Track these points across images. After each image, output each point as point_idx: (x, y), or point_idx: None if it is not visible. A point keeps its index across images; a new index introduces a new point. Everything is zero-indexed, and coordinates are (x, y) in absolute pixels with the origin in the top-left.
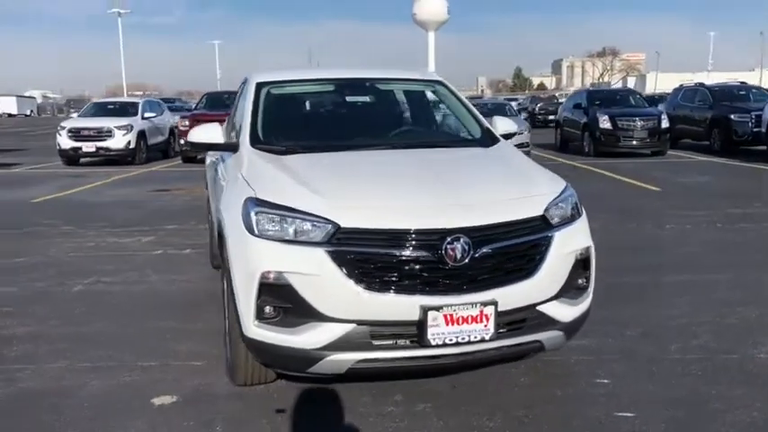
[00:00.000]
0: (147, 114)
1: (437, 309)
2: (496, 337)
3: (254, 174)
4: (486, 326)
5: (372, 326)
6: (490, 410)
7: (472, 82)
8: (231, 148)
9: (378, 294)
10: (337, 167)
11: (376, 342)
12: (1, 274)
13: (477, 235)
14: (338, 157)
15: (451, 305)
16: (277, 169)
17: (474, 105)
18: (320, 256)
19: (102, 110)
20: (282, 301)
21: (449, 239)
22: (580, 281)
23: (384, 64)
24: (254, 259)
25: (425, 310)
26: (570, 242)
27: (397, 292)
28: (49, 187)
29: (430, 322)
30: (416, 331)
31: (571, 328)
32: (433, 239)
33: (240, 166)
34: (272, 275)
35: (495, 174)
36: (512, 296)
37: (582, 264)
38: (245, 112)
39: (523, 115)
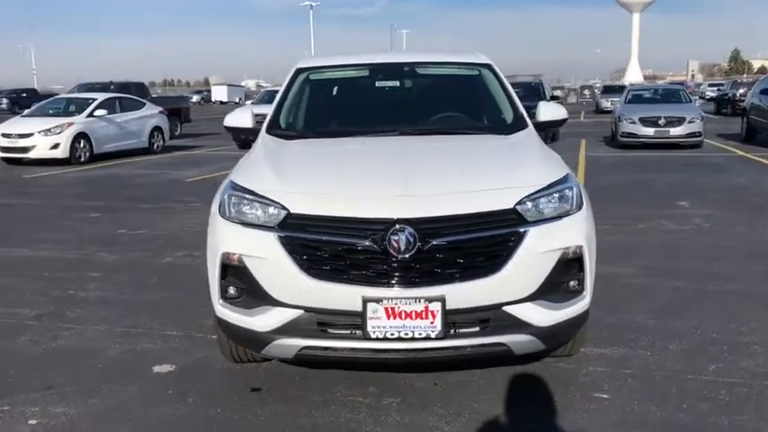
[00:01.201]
0: None
1: (377, 301)
2: (445, 335)
3: (248, 158)
4: (432, 323)
5: (319, 314)
6: (457, 413)
7: (681, 66)
8: (253, 133)
9: (323, 282)
10: (325, 154)
11: (322, 330)
12: (115, 244)
13: (426, 227)
14: (338, 143)
15: (393, 298)
16: (268, 155)
17: (642, 89)
18: (271, 241)
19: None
20: (242, 282)
21: (392, 230)
22: (571, 283)
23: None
24: (217, 240)
25: (365, 301)
26: (552, 240)
27: (341, 281)
28: (208, 168)
29: (370, 314)
30: (360, 322)
31: (549, 334)
32: (377, 229)
33: (249, 152)
34: (231, 257)
35: (482, 164)
36: (468, 293)
37: (570, 264)
38: (277, 97)
39: (698, 102)
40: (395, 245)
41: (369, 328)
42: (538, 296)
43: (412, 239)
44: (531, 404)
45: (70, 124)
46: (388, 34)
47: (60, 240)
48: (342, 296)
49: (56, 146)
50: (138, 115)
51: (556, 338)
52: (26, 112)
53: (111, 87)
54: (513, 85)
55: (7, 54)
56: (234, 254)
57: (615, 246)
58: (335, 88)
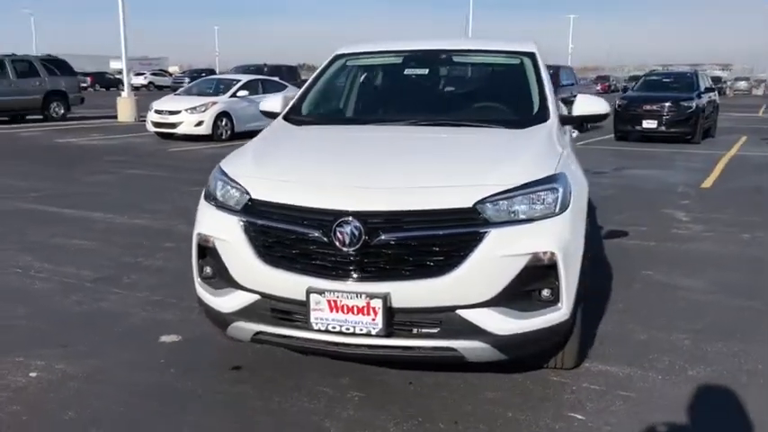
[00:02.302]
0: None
1: (320, 293)
2: (387, 333)
3: (250, 142)
4: (373, 319)
5: (273, 300)
6: (412, 415)
7: None
8: (273, 117)
9: (275, 270)
10: (318, 141)
11: (275, 317)
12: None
13: (374, 221)
14: (342, 131)
15: (335, 291)
16: (265, 139)
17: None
18: (234, 225)
19: None
20: (214, 263)
21: (338, 222)
22: (544, 292)
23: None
24: (197, 221)
25: (309, 292)
26: (516, 243)
27: (291, 270)
28: None
29: (313, 305)
30: (306, 313)
31: (508, 344)
32: (326, 220)
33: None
34: (205, 238)
35: (463, 160)
36: (416, 293)
37: (541, 272)
38: (307, 82)
39: None
40: (340, 237)
41: (312, 320)
42: (498, 302)
43: (357, 233)
44: (492, 419)
45: (214, 103)
46: None
47: (158, 210)
48: (290, 285)
49: (200, 123)
50: None
51: (518, 349)
52: (179, 90)
53: (265, 69)
54: (664, 75)
55: (197, 39)
56: (207, 235)
57: (701, 256)
58: (364, 75)
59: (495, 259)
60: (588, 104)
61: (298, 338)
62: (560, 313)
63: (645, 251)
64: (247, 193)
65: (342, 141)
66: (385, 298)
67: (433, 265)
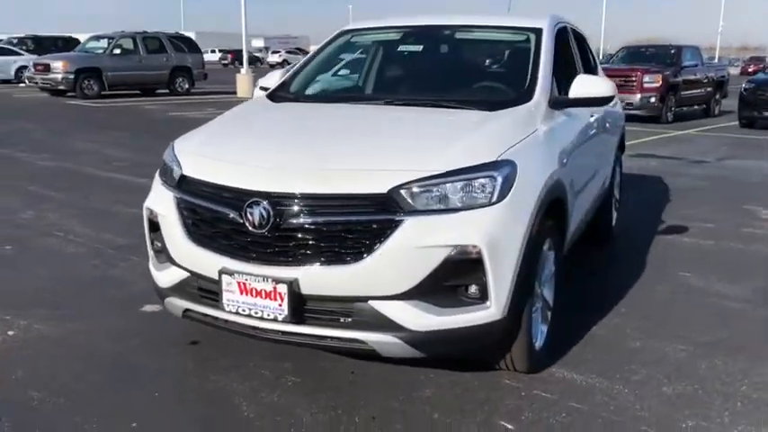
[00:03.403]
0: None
1: (230, 274)
2: (293, 320)
3: (217, 118)
4: (280, 305)
5: (200, 278)
6: (335, 407)
7: None
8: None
9: (198, 248)
10: (278, 119)
11: (200, 295)
12: None
13: (285, 203)
14: (311, 109)
15: (244, 273)
16: (231, 114)
17: None
18: (170, 201)
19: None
20: (159, 238)
21: (249, 203)
22: (471, 289)
23: None
24: (149, 194)
25: (220, 273)
26: (436, 234)
27: (210, 248)
28: None
29: (224, 286)
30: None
31: (425, 341)
32: (239, 201)
33: None
34: (150, 212)
35: (399, 142)
36: (325, 280)
37: (466, 266)
38: (304, 58)
39: None
40: (250, 218)
41: (224, 301)
42: (414, 296)
43: (266, 214)
44: (413, 418)
45: None
46: None
47: None
48: (210, 264)
49: None
50: None
51: (437, 347)
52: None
53: None
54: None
55: (335, 20)
56: (152, 209)
57: (760, 260)
58: (359, 51)
59: (410, 250)
60: (587, 86)
61: (217, 319)
62: (488, 312)
63: (695, 250)
64: (180, 169)
65: (296, 120)
66: (291, 284)
67: (345, 253)
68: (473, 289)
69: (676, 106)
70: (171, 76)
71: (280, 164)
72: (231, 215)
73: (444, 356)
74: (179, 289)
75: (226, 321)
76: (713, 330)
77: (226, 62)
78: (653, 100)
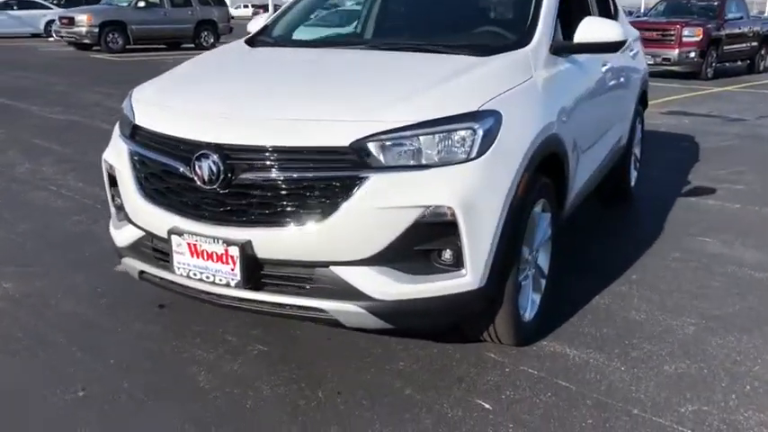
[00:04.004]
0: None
1: (180, 234)
2: (246, 286)
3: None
4: (232, 269)
5: (154, 238)
6: (297, 380)
7: None
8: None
9: (150, 204)
10: (242, 64)
11: (156, 257)
12: None
13: (238, 156)
14: (279, 54)
15: (194, 234)
16: (200, 59)
17: None
18: (125, 153)
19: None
20: (117, 194)
21: (197, 155)
22: (445, 255)
23: None
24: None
25: (170, 233)
26: (403, 193)
27: (161, 206)
28: None
29: (174, 247)
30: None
31: (391, 311)
32: (188, 153)
33: None
34: (108, 165)
35: (368, 90)
36: (282, 243)
37: (438, 229)
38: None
39: None
40: (199, 172)
41: (174, 263)
42: (380, 261)
43: (215, 169)
44: (382, 394)
45: None
46: None
47: None
48: (161, 223)
49: None
50: None
51: (406, 318)
52: None
53: None
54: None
55: None
56: (109, 163)
57: None
58: None
59: (376, 211)
60: (594, 29)
61: (172, 282)
62: (464, 280)
63: (719, 214)
64: (133, 119)
65: (263, 66)
66: (243, 246)
67: (303, 213)
68: (447, 255)
69: (718, 62)
70: (196, 30)
71: (232, 112)
72: (181, 169)
73: (419, 329)
74: (135, 249)
75: (178, 285)
76: (728, 303)
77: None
78: (692, 55)
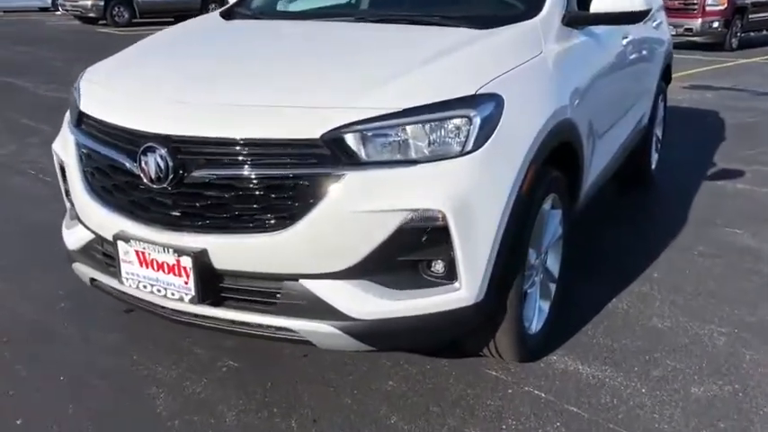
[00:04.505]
0: None
1: (126, 240)
2: (202, 301)
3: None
4: (185, 283)
5: (104, 242)
6: (269, 404)
7: None
8: None
9: (96, 204)
10: (212, 39)
11: (107, 263)
12: None
13: (189, 150)
14: (256, 27)
15: (142, 240)
16: (165, 35)
17: None
18: (71, 143)
19: None
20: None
21: (143, 149)
22: (434, 266)
23: None
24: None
25: (115, 238)
26: (385, 194)
27: (108, 206)
28: None
29: (121, 255)
30: None
31: (375, 332)
32: (134, 146)
33: None
34: (57, 156)
35: (360, 69)
36: (243, 252)
37: (427, 237)
38: None
39: None
40: (145, 169)
41: (123, 273)
42: (359, 274)
43: (163, 165)
44: (364, 423)
45: None
46: None
47: None
48: (109, 226)
49: None
50: None
51: (391, 340)
52: None
53: None
54: None
55: None
56: (57, 153)
57: None
58: None
59: (352, 215)
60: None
61: (125, 294)
62: (458, 295)
63: (748, 200)
64: (79, 105)
65: (233, 42)
66: (197, 256)
67: (267, 217)
68: (437, 266)
69: (743, 32)
70: (203, 3)
71: (185, 97)
72: (127, 165)
73: (404, 350)
74: (85, 253)
75: (132, 297)
76: (763, 307)
77: None
78: (716, 25)
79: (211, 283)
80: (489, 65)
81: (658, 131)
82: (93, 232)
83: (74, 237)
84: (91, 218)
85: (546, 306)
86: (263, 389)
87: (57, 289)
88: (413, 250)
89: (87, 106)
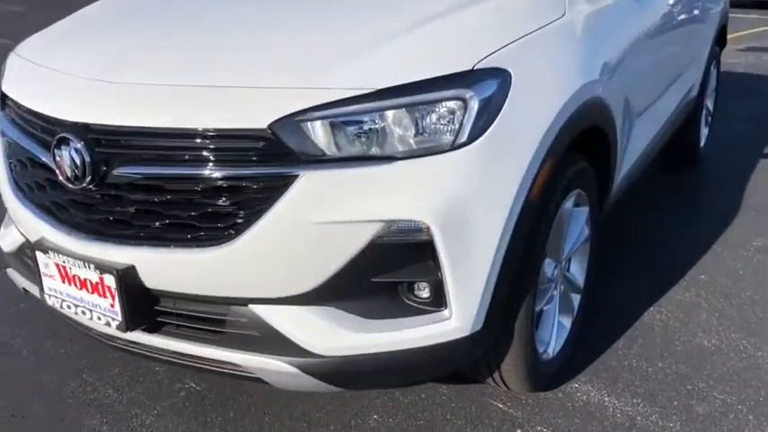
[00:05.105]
0: None
1: (45, 251)
2: (129, 328)
3: None
4: (111, 305)
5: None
6: (223, 415)
7: None
8: None
9: (19, 203)
10: (152, 8)
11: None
12: None
13: (111, 143)
14: None
15: (61, 252)
16: (103, 3)
17: None
18: None
19: None
20: None
21: (56, 138)
22: (417, 288)
23: None
24: None
25: (34, 248)
26: (354, 200)
27: (30, 206)
28: None
29: (42, 268)
30: None
31: (341, 371)
32: (49, 135)
33: None
34: None
35: (322, 39)
36: (176, 270)
37: (408, 253)
38: None
39: None
40: (60, 164)
41: (45, 289)
42: (321, 299)
43: (79, 159)
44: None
45: None
46: None
47: None
48: (33, 230)
49: None
50: None
51: (363, 380)
52: None
53: None
54: None
55: None
56: None
57: None
58: None
59: (310, 226)
60: None
61: (56, 311)
62: (447, 326)
63: None
64: (1, 84)
65: (175, 10)
66: (122, 274)
67: (206, 227)
68: (422, 289)
69: None
70: None
71: (110, 76)
72: (43, 158)
73: (380, 388)
74: (17, 258)
75: (63, 316)
76: None
77: None
78: None
79: (143, 305)
80: (494, 31)
81: (709, 103)
82: (23, 235)
83: (9, 238)
84: (18, 218)
85: (568, 322)
86: (224, 419)
87: (10, 286)
88: (390, 270)
89: (8, 87)
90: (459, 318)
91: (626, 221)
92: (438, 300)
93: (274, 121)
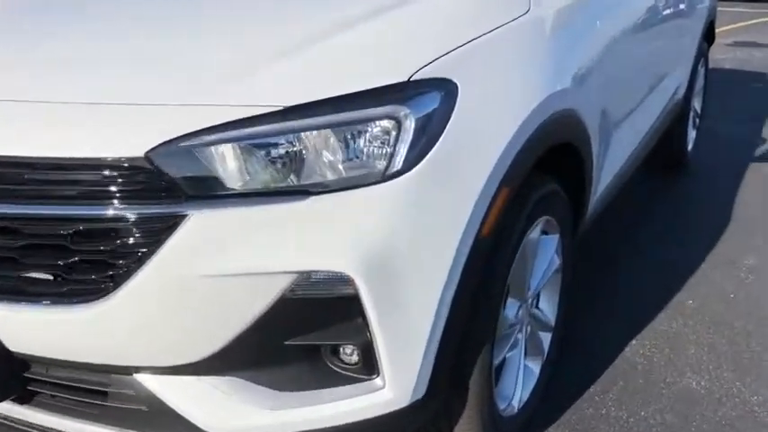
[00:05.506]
0: None
1: None
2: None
3: None
4: None
5: None
6: None
7: None
8: None
9: None
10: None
11: None
12: None
13: None
14: None
15: None
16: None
17: None
18: None
19: None
20: None
21: None
22: (342, 351)
23: None
24: None
25: None
26: (258, 247)
27: None
28: None
29: None
30: None
31: None
32: None
33: None
34: None
35: (233, 39)
36: (41, 330)
37: (323, 309)
38: None
39: None
40: None
41: None
42: (222, 367)
43: None
44: None
45: None
46: None
47: None
48: None
49: None
50: None
51: None
52: None
53: None
54: None
55: None
56: None
57: None
58: None
59: (201, 279)
60: None
61: None
62: (380, 396)
63: None
64: None
65: (75, 5)
66: None
67: (76, 279)
68: (351, 354)
69: None
70: None
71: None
72: None
73: None
74: None
75: None
76: None
77: None
78: None
79: (7, 372)
80: (437, 33)
81: (697, 104)
82: None
83: None
84: None
85: (537, 367)
86: None
87: None
88: (308, 331)
89: None
90: (394, 386)
91: (604, 238)
92: (368, 365)
93: (153, 148)
